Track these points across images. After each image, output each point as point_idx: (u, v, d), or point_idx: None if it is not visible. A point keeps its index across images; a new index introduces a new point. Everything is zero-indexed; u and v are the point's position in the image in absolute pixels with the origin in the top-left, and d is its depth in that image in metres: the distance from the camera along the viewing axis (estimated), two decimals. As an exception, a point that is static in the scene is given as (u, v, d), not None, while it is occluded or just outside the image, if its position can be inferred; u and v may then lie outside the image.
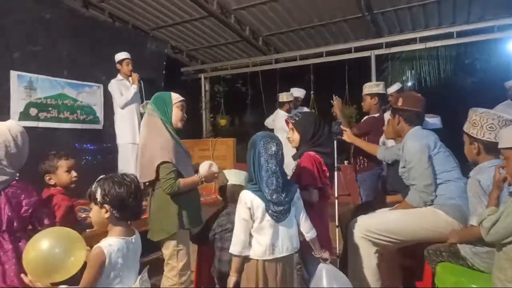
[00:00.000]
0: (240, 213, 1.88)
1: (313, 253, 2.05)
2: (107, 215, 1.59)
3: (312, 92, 6.42)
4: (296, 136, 2.44)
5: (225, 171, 2.55)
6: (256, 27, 6.16)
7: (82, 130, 4.53)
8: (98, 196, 1.58)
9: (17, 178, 1.91)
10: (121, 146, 4.32)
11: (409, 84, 7.15)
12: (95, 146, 4.72)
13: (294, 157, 2.51)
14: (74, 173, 2.29)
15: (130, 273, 1.62)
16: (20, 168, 1.96)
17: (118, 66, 4.39)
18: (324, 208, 2.47)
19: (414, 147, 2.44)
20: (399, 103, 2.63)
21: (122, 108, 4.28)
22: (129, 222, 1.67)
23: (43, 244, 1.58)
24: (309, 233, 2.00)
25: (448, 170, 2.40)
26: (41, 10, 4.11)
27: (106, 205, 1.58)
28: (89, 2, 5.34)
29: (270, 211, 1.85)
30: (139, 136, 2.40)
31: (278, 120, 5.03)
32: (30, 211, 1.87)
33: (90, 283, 1.51)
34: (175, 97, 2.37)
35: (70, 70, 4.40)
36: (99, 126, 4.73)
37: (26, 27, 3.96)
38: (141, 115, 4.41)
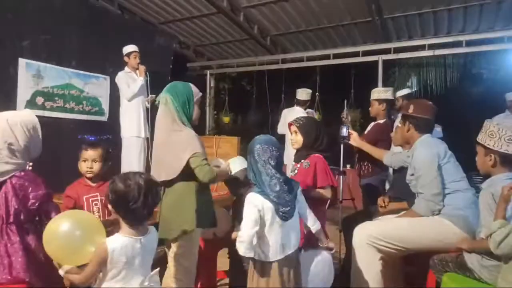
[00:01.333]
0: (250, 215, 1.87)
1: (319, 243, 2.18)
2: (113, 215, 1.64)
3: (317, 93, 6.41)
4: (299, 139, 2.59)
5: (231, 160, 2.58)
6: (264, 26, 6.14)
7: (87, 121, 4.52)
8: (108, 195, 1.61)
9: (28, 167, 1.90)
10: (125, 139, 4.29)
11: (415, 90, 7.15)
12: (98, 137, 4.70)
13: (298, 159, 2.60)
14: (88, 164, 2.31)
15: (136, 272, 1.59)
16: (30, 159, 1.94)
17: (125, 58, 4.36)
18: (324, 206, 2.69)
19: (424, 155, 2.44)
20: (410, 110, 2.63)
21: (129, 100, 4.25)
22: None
23: (64, 225, 1.60)
24: (315, 225, 2.13)
25: (457, 180, 2.40)
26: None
27: (110, 205, 1.61)
28: (99, -7, 5.31)
29: (280, 213, 1.88)
30: (156, 130, 2.23)
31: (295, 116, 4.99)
32: (37, 204, 1.85)
33: (88, 277, 1.55)
34: (196, 93, 2.30)
35: (78, 60, 4.40)
36: (104, 118, 4.72)
37: (37, 16, 3.95)
38: (147, 109, 4.41)
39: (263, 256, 1.89)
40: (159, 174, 2.12)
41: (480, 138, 2.08)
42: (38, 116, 3.77)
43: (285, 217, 1.89)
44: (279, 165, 1.98)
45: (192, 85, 2.30)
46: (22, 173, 1.85)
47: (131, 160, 4.22)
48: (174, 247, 2.13)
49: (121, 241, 1.56)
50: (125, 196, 1.55)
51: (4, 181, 1.79)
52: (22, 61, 3.84)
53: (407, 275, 2.74)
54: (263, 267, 1.90)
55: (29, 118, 1.95)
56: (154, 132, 2.24)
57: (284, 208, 1.88)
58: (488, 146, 2.02)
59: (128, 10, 5.73)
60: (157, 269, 1.67)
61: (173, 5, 5.55)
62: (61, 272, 1.59)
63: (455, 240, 2.22)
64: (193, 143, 2.08)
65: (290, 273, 1.92)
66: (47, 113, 4.07)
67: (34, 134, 1.95)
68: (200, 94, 2.35)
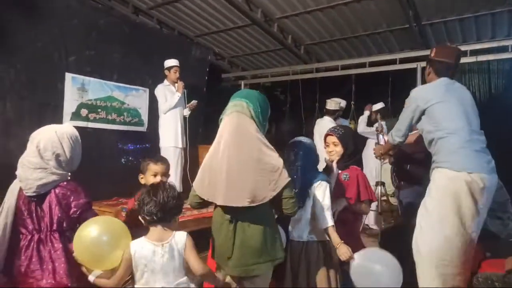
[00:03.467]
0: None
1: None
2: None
3: (353, 102, 6.30)
4: (339, 150, 2.50)
5: None
6: (298, 35, 6.15)
7: (127, 131, 4.71)
8: None
9: (68, 178, 2.00)
10: (163, 149, 4.43)
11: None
12: (137, 147, 4.88)
13: (338, 167, 2.51)
14: (158, 178, 2.30)
15: (158, 278, 1.65)
16: (72, 169, 2.03)
17: (166, 72, 4.53)
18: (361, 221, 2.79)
19: (412, 93, 2.54)
20: (432, 54, 2.60)
21: (165, 113, 4.41)
22: (164, 228, 1.73)
23: (92, 231, 1.71)
24: (323, 223, 2.22)
25: (450, 119, 2.32)
26: (95, 17, 4.33)
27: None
28: (139, 9, 5.55)
29: None
30: (234, 142, 1.77)
31: (324, 127, 4.94)
32: (78, 212, 1.94)
33: (117, 280, 1.66)
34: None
35: (120, 73, 4.60)
36: (143, 129, 4.90)
37: (82, 33, 4.19)
38: (184, 120, 4.55)
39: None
40: (240, 197, 1.71)
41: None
42: (82, 127, 4.09)
43: None
44: (304, 165, 2.21)
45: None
46: (65, 183, 1.94)
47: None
48: (257, 282, 1.82)
49: (142, 244, 1.68)
50: (142, 201, 1.73)
51: (49, 191, 1.89)
52: (68, 76, 4.08)
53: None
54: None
55: (73, 130, 2.06)
56: (225, 143, 1.77)
57: None
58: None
59: (166, 24, 5.94)
60: (185, 277, 1.70)
61: (208, 18, 5.69)
62: (90, 278, 1.69)
63: (461, 185, 2.17)
64: (286, 170, 1.78)
65: (292, 260, 2.18)
66: (90, 124, 4.28)
67: (77, 147, 2.05)
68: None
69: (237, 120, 1.79)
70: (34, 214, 1.88)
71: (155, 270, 1.65)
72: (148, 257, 1.65)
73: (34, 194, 1.85)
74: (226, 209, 1.78)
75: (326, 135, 2.58)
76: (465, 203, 2.18)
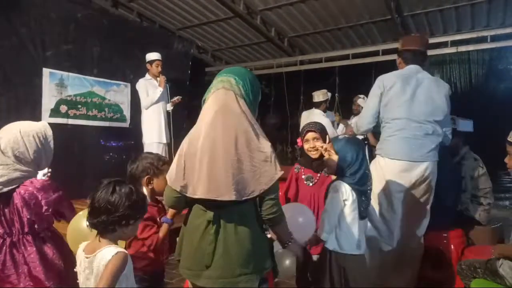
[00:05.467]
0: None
1: None
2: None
3: (337, 94, 6.32)
4: (320, 145, 2.37)
5: None
6: (281, 28, 6.11)
7: (109, 128, 4.62)
8: None
9: (48, 173, 1.91)
10: (147, 145, 4.36)
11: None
12: (119, 143, 4.80)
13: (318, 168, 2.39)
14: None
15: None
16: (40, 168, 1.91)
17: (148, 66, 4.44)
18: None
19: (375, 81, 2.59)
20: (400, 46, 2.67)
21: (146, 108, 4.34)
22: (99, 236, 1.46)
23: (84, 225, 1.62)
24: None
25: (393, 108, 2.41)
26: (73, 10, 4.22)
27: None
28: (118, 2, 5.42)
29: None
30: (218, 121, 1.47)
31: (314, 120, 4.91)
32: (50, 209, 1.85)
33: None
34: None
35: (100, 68, 4.50)
36: (125, 124, 4.81)
37: (59, 26, 4.07)
38: (168, 115, 4.48)
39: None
40: (225, 189, 1.40)
41: (511, 137, 1.99)
42: (62, 124, 3.98)
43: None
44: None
45: None
46: (29, 182, 1.82)
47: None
48: None
49: (80, 249, 1.50)
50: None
51: (12, 194, 1.79)
52: (46, 71, 3.96)
53: (433, 281, 2.65)
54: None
55: (43, 129, 1.91)
56: (209, 123, 1.48)
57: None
58: (518, 145, 1.93)
59: (146, 17, 5.82)
60: None
61: (190, 10, 5.60)
62: None
63: (394, 171, 2.29)
64: (278, 162, 1.47)
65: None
66: (71, 121, 4.18)
67: (46, 146, 1.90)
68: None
69: (224, 97, 1.49)
70: (2, 218, 1.80)
71: (80, 282, 1.48)
72: (77, 267, 1.50)
73: None
74: (206, 206, 1.48)
75: (306, 132, 2.42)
76: (393, 188, 2.32)
